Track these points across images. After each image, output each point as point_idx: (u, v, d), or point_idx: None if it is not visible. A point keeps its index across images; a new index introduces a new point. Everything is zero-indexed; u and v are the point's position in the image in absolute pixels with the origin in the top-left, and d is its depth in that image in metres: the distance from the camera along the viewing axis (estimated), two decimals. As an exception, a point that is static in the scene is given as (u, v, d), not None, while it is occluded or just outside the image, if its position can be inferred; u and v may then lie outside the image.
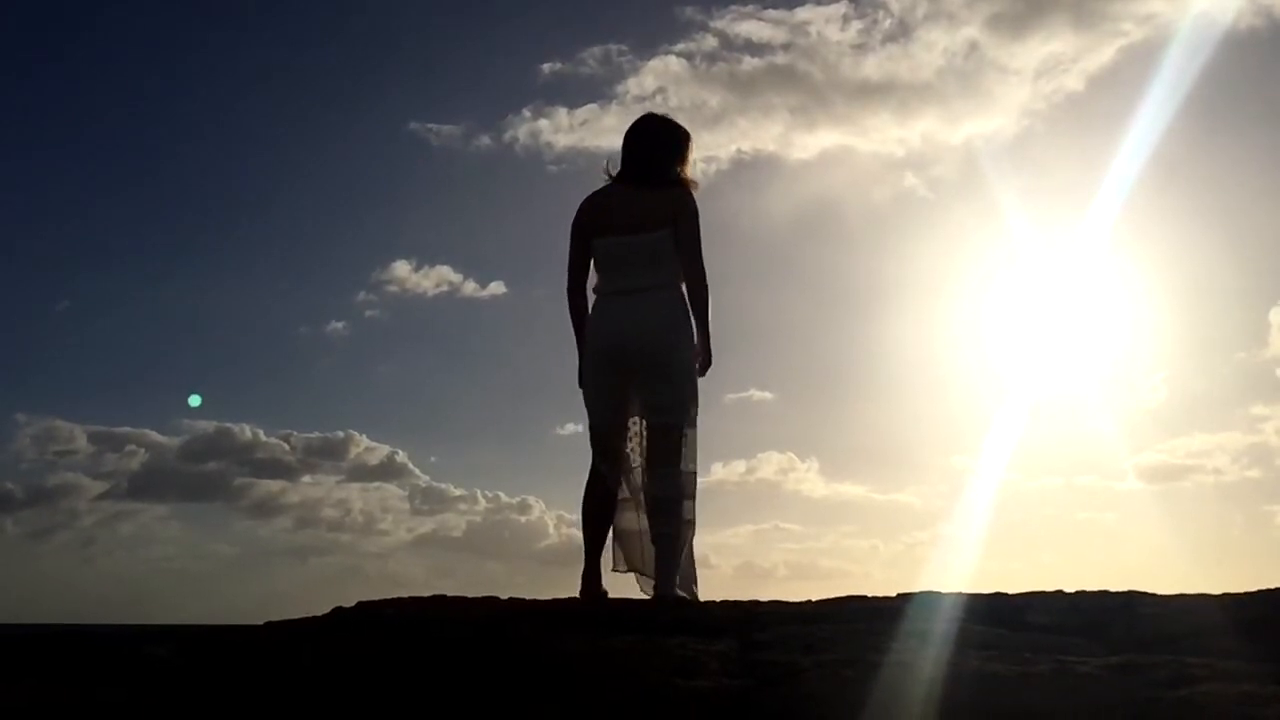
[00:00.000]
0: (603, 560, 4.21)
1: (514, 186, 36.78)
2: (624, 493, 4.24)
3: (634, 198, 4.15)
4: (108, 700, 2.43)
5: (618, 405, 4.15)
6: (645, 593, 4.14)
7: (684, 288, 4.12)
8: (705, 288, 4.09)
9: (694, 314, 4.11)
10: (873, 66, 31.18)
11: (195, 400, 33.27)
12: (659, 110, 4.39)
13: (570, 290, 4.28)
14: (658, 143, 4.22)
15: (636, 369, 4.07)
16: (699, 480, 4.13)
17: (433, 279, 34.67)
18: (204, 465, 38.96)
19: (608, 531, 4.20)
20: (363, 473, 41.62)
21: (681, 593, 4.01)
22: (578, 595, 4.11)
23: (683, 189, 4.15)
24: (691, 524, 4.09)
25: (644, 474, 4.15)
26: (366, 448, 38.27)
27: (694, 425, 4.10)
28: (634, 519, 4.25)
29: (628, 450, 4.21)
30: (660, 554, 4.01)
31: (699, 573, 4.18)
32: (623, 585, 4.24)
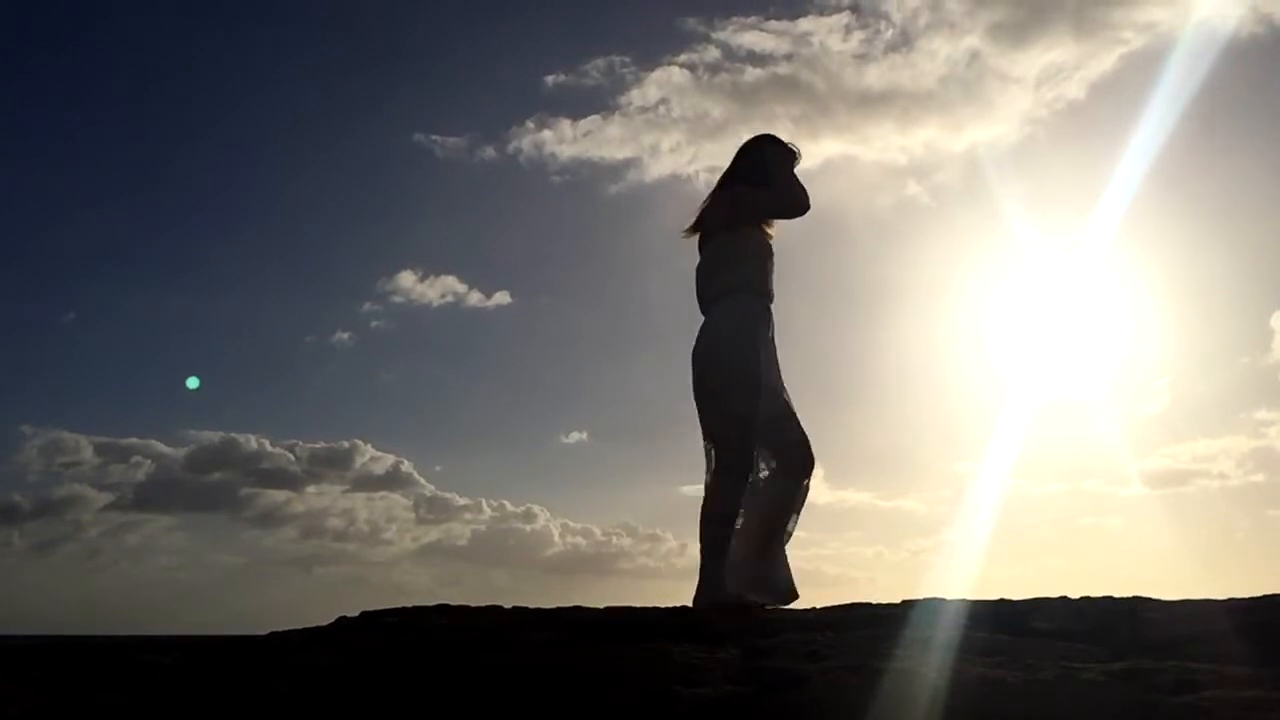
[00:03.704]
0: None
1: (518, 197, 36.97)
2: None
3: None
4: (106, 704, 2.44)
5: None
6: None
7: (747, 291, 4.11)
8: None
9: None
10: (875, 76, 31.30)
11: (193, 382, 33.35)
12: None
13: None
14: (729, 166, 4.34)
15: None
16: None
17: (438, 289, 34.81)
18: (209, 475, 39.07)
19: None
20: (368, 482, 41.72)
21: (752, 597, 3.94)
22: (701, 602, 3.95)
23: (726, 192, 4.22)
24: (723, 531, 4.00)
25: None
26: (372, 457, 38.38)
27: (727, 443, 4.03)
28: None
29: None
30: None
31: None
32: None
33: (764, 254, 4.18)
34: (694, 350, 4.14)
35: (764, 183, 4.19)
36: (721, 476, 4.02)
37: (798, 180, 4.21)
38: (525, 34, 37.44)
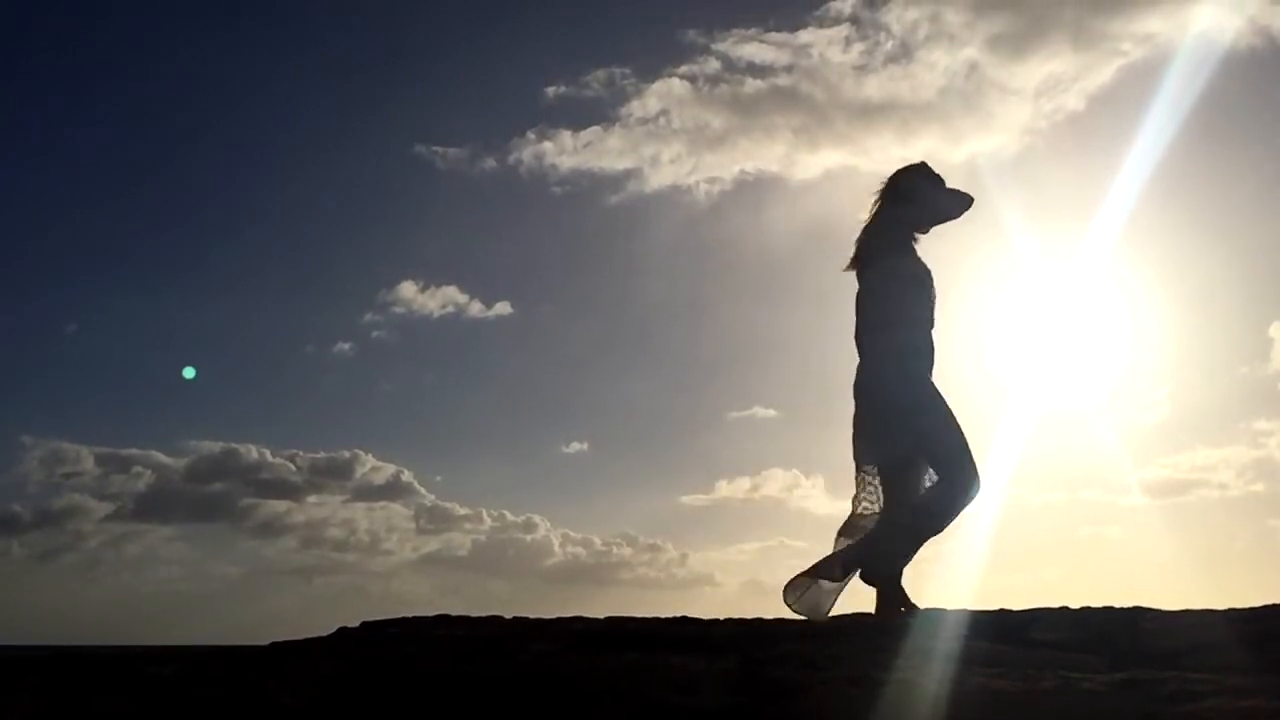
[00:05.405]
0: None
1: (519, 208, 37.05)
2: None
3: None
4: (105, 711, 2.44)
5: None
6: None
7: (908, 323, 4.09)
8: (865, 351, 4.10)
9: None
10: (874, 87, 31.41)
11: (189, 372, 33.41)
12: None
13: None
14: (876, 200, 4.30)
15: None
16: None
17: (439, 299, 34.86)
18: (210, 486, 39.04)
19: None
20: (368, 492, 41.66)
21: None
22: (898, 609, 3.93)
23: (883, 219, 4.20)
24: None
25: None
26: (372, 467, 38.36)
27: (892, 472, 4.02)
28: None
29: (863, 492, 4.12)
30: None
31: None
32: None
33: (927, 281, 4.20)
34: (858, 383, 4.10)
35: (911, 202, 4.21)
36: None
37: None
38: (526, 45, 37.61)
